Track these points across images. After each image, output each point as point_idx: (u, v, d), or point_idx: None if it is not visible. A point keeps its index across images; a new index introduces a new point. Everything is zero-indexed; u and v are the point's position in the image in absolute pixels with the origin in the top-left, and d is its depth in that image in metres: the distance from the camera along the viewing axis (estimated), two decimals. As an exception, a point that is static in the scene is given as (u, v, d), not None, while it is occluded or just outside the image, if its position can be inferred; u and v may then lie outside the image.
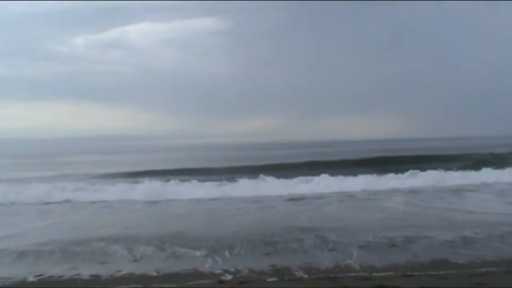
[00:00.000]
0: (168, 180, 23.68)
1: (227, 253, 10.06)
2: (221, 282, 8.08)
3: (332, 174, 24.05)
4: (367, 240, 10.89)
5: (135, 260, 9.79)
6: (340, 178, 23.29)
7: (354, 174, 23.97)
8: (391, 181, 22.67)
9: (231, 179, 24.04)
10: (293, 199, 18.81)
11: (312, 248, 10.35)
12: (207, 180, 24.04)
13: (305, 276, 8.27)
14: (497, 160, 30.94)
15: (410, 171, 24.61)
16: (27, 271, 9.05)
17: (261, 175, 23.97)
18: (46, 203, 19.38)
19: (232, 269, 8.88)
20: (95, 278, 8.61)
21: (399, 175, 24.23)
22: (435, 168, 25.40)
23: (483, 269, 8.25)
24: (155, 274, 8.75)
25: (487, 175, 24.15)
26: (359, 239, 10.98)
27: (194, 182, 23.34)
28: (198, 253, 10.16)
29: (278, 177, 23.88)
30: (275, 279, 8.13)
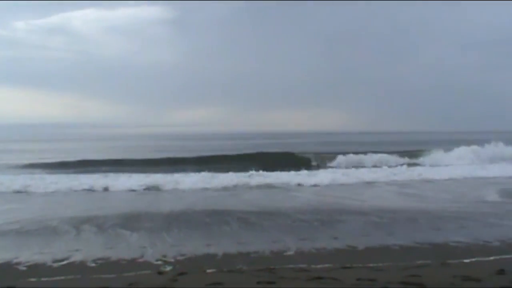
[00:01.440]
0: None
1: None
2: (160, 273, 8.03)
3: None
4: (287, 223, 12.07)
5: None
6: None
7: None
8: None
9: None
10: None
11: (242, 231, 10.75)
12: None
13: (245, 267, 8.33)
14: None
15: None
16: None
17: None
18: None
19: (172, 260, 8.94)
20: (33, 268, 8.46)
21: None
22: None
23: (419, 261, 8.55)
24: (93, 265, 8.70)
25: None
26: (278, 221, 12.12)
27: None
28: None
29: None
30: (214, 270, 8.16)
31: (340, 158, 32.38)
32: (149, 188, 20.30)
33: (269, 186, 20.92)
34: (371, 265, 8.39)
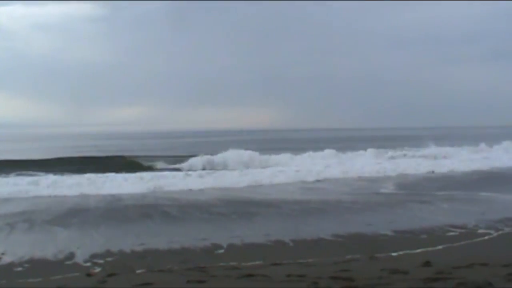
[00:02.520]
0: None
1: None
2: (88, 275, 7.83)
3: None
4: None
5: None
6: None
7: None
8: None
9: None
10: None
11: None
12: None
13: (175, 267, 8.23)
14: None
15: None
16: None
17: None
18: None
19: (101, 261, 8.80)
20: None
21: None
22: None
23: (348, 256, 8.72)
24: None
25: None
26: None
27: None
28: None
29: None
30: (144, 270, 8.02)
31: (192, 160, 29.59)
32: None
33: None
34: (301, 261, 8.48)
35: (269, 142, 60.00)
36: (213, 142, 66.32)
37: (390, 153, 32.72)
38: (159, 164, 29.82)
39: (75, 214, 14.26)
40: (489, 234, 10.55)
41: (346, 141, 55.09)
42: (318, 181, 22.10)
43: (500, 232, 10.67)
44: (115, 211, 14.73)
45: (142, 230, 11.86)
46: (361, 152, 32.29)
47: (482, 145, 35.38)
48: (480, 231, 10.82)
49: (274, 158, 30.17)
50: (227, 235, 10.92)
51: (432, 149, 34.13)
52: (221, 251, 9.54)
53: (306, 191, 19.25)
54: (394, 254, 8.92)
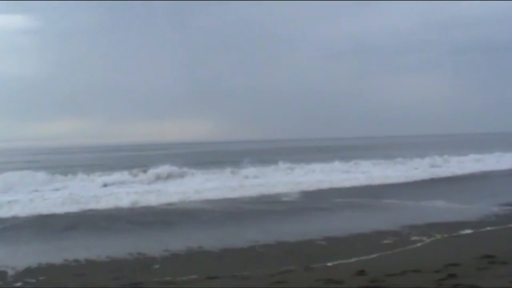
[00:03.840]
0: None
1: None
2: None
3: None
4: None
5: None
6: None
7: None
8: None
9: None
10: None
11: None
12: None
13: (112, 285, 8.09)
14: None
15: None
16: None
17: None
18: None
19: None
20: None
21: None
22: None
23: (284, 267, 8.79)
24: None
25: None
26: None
27: None
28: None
29: None
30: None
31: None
32: None
33: None
34: (236, 273, 8.49)
35: (197, 156, 59.70)
36: (147, 156, 65.63)
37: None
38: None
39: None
40: (422, 241, 10.90)
41: (268, 154, 55.77)
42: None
43: (432, 239, 11.05)
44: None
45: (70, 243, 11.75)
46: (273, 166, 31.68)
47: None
48: (413, 238, 11.16)
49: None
50: (157, 246, 10.99)
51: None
52: (156, 266, 9.47)
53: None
54: (329, 264, 9.06)
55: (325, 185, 23.65)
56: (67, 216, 16.46)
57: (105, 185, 24.63)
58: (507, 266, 7.76)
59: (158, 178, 26.87)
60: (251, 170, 29.05)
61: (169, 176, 27.20)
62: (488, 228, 12.12)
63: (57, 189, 23.32)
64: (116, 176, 27.08)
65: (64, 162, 51.47)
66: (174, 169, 28.23)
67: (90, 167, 35.69)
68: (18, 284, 8.50)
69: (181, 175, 27.72)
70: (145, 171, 27.99)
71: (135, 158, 55.65)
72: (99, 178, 26.31)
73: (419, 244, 10.61)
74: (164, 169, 27.99)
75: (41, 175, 26.20)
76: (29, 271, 9.29)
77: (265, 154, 55.80)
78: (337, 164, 32.78)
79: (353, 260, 9.29)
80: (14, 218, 16.13)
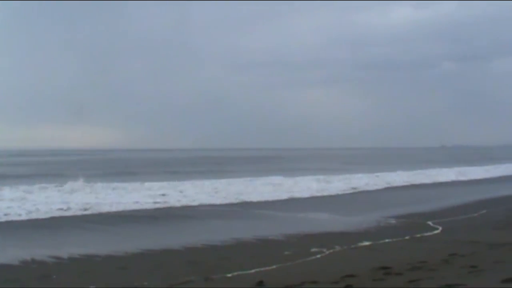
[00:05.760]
0: None
1: None
2: None
3: None
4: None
5: None
6: None
7: None
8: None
9: None
10: None
11: None
12: None
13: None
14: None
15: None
16: None
17: None
18: None
19: None
20: None
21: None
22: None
23: (184, 279, 8.81)
24: None
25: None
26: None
27: None
28: None
29: None
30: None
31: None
32: None
33: None
34: (136, 284, 8.45)
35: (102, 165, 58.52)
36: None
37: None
38: None
39: None
40: (322, 252, 11.24)
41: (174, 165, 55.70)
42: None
43: (331, 250, 11.42)
44: None
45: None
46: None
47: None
48: (314, 249, 11.49)
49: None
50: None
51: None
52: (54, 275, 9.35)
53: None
54: (229, 275, 9.16)
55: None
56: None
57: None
58: (402, 277, 8.17)
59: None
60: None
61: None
62: (386, 240, 12.69)
63: None
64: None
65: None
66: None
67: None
68: None
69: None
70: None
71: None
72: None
73: (318, 256, 10.94)
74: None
75: None
76: None
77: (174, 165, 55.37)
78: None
79: (253, 271, 9.44)
80: None
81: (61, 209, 19.08)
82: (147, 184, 28.19)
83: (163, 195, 23.80)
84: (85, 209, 19.14)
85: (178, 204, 21.01)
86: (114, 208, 19.57)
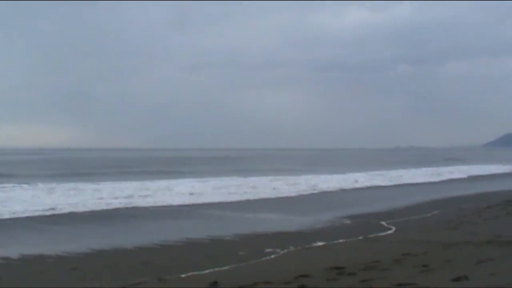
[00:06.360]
0: None
1: None
2: None
3: None
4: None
5: None
6: None
7: None
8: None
9: None
10: None
11: None
12: None
13: None
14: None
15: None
16: None
17: None
18: None
19: None
20: None
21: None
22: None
23: (137, 280, 8.76)
24: None
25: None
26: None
27: None
28: None
29: None
30: None
31: None
32: None
33: None
34: (89, 286, 8.34)
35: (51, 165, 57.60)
36: None
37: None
38: None
39: None
40: (276, 252, 11.31)
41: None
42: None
43: (285, 250, 11.50)
44: None
45: None
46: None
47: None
48: (268, 249, 11.55)
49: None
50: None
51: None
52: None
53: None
54: (183, 275, 9.14)
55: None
56: None
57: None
58: (355, 276, 8.29)
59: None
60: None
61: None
62: (340, 240, 12.84)
63: None
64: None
65: None
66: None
67: None
68: None
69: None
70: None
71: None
72: None
73: (272, 256, 11.02)
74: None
75: None
76: None
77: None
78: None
79: (207, 271, 9.45)
80: None
81: (12, 210, 18.66)
82: (99, 185, 27.85)
83: (115, 196, 23.57)
84: (36, 210, 18.74)
85: (130, 205, 20.78)
86: (65, 209, 19.18)
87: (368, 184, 33.90)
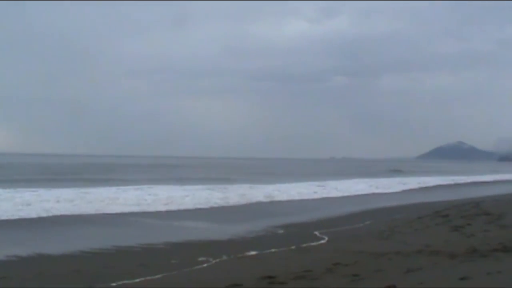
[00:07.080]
0: None
1: None
2: None
3: None
4: None
5: None
6: None
7: None
8: None
9: None
10: None
11: None
12: None
13: None
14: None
15: None
16: None
17: None
18: None
19: None
20: None
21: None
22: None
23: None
24: None
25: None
26: None
27: None
28: None
29: None
30: None
31: None
32: None
33: None
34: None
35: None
36: None
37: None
38: None
39: None
40: (209, 261, 11.36)
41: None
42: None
43: (218, 259, 11.55)
44: None
45: None
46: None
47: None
48: (200, 258, 11.58)
49: None
50: None
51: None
52: None
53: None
54: (113, 284, 9.07)
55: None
56: None
57: None
58: (285, 286, 8.43)
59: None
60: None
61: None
62: (272, 250, 12.98)
63: None
64: None
65: None
66: None
67: None
68: None
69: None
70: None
71: None
72: None
73: (205, 265, 11.08)
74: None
75: None
76: None
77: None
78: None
79: (138, 280, 9.42)
80: None
81: None
82: (23, 192, 26.80)
83: (40, 202, 22.81)
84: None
85: (58, 212, 20.21)
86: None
87: (303, 193, 33.94)
